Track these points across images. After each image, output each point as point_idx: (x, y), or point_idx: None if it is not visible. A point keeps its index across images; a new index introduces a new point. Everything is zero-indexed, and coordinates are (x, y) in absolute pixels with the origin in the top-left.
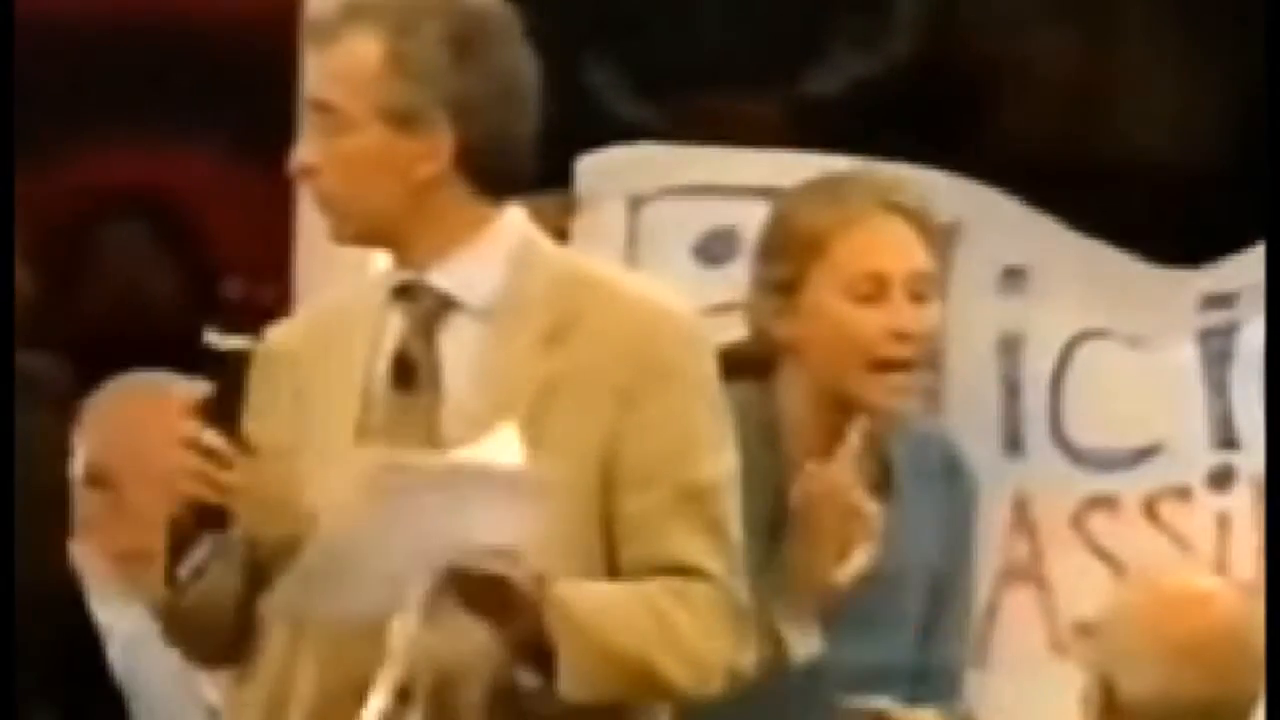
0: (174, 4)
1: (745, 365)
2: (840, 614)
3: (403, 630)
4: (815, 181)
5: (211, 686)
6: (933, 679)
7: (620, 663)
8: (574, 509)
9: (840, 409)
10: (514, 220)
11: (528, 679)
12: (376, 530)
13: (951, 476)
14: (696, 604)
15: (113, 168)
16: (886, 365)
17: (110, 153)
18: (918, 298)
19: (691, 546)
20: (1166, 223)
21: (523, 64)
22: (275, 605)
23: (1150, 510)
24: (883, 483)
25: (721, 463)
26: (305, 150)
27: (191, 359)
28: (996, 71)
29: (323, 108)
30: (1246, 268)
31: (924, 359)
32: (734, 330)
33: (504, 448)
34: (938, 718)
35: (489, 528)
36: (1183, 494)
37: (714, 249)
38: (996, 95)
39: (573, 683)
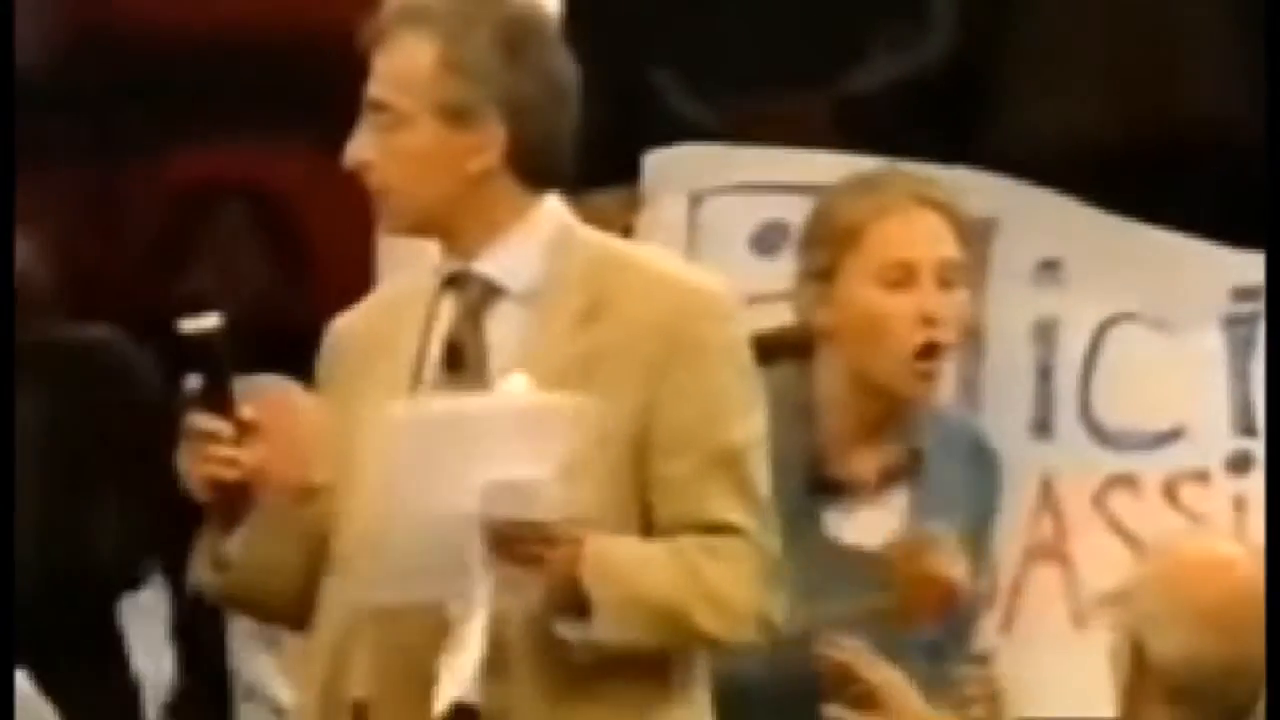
0: (273, 19)
1: (787, 349)
2: (872, 578)
3: (477, 587)
4: (852, 178)
5: (281, 686)
6: (949, 647)
7: (654, 610)
8: (611, 477)
9: (872, 393)
10: (552, 209)
11: (566, 629)
12: (409, 489)
13: (978, 460)
14: (728, 557)
15: (218, 163)
16: (915, 350)
17: (217, 149)
18: (946, 284)
19: (723, 505)
20: (1203, 208)
21: (565, 65)
22: (346, 599)
23: (1170, 491)
24: (911, 466)
25: (751, 426)
26: (360, 146)
27: (282, 343)
28: (1027, 67)
29: (379, 106)
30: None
31: (952, 344)
32: (787, 315)
33: (514, 389)
34: (894, 674)
35: (507, 461)
36: (1201, 477)
37: (768, 240)
38: (1028, 90)
39: (609, 629)
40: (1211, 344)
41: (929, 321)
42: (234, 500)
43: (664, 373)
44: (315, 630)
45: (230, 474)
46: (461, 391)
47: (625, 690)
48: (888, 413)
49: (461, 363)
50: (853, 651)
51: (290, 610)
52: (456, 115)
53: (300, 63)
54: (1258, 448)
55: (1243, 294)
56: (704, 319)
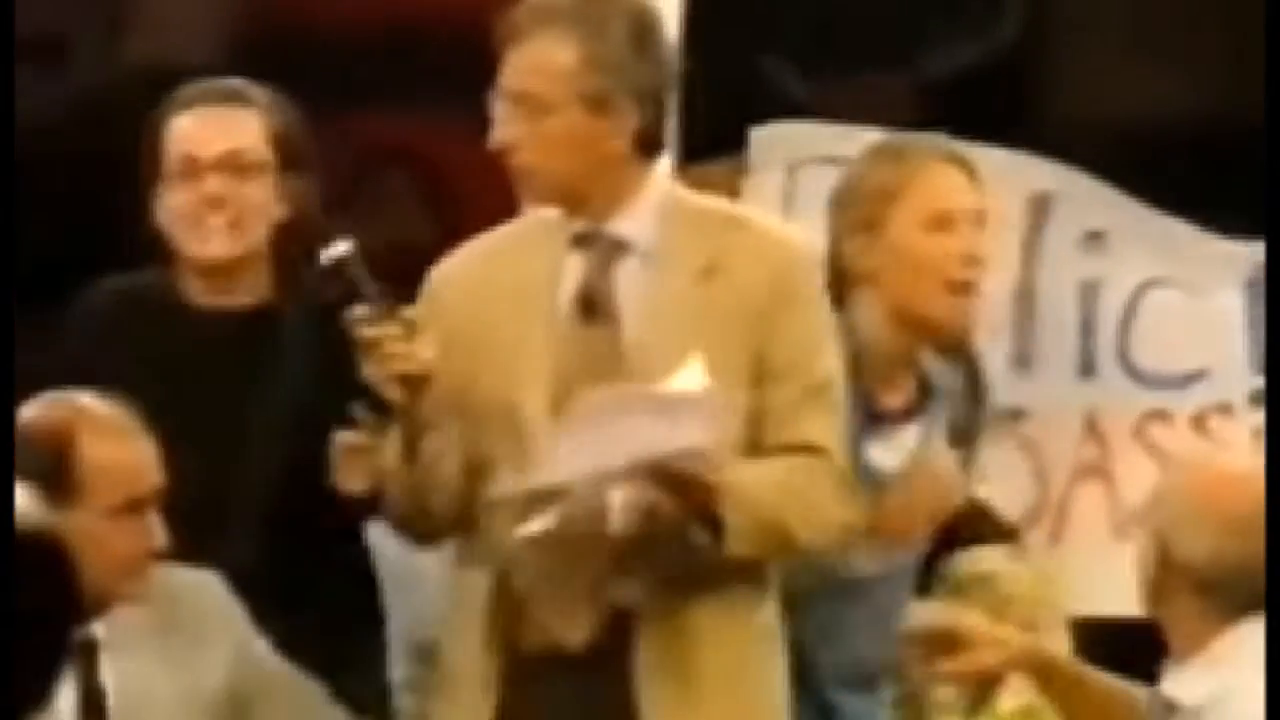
0: (432, 10)
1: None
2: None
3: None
4: (880, 145)
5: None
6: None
7: (768, 528)
8: (730, 405)
9: (912, 330)
10: (661, 175)
11: (699, 536)
12: (601, 440)
13: (971, 391)
14: (821, 476)
15: (384, 132)
16: (957, 286)
17: (383, 120)
18: (977, 229)
19: (816, 429)
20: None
21: (673, 54)
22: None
23: (1198, 423)
24: (920, 401)
25: (835, 363)
26: (504, 131)
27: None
28: (1091, 52)
29: (523, 96)
30: None
31: (978, 283)
32: None
33: (692, 377)
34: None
35: (683, 434)
36: (1226, 410)
37: None
38: (1090, 74)
39: (735, 543)
40: (1232, 301)
41: (968, 260)
42: (419, 395)
43: (771, 319)
44: (481, 542)
45: (411, 366)
46: (595, 336)
47: (733, 589)
48: (919, 348)
49: (594, 309)
50: (935, 612)
51: (439, 521)
52: (596, 104)
53: (455, 47)
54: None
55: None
56: (801, 273)
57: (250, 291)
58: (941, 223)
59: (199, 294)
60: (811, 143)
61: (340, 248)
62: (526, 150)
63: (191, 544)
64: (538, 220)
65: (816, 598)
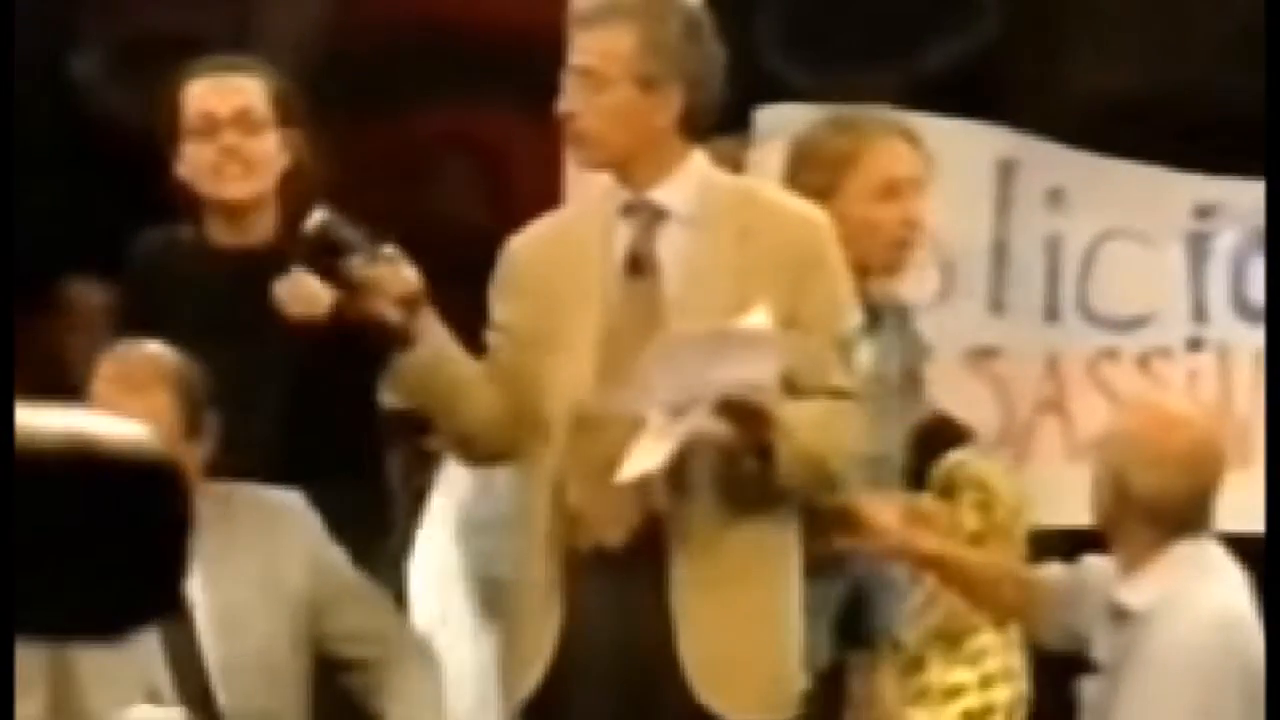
0: (485, 12)
1: None
2: None
3: (690, 422)
4: (834, 117)
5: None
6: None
7: (809, 460)
8: (792, 345)
9: (861, 274)
10: (699, 155)
11: (751, 465)
12: (685, 363)
13: (904, 325)
14: (849, 417)
15: (439, 122)
16: (899, 244)
17: (438, 111)
18: (919, 196)
19: (841, 376)
20: (1189, 150)
21: (720, 47)
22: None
23: (1143, 363)
24: (871, 326)
25: (855, 318)
26: (568, 101)
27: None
28: (1063, 43)
29: (587, 72)
30: (1228, 188)
31: (917, 240)
32: None
33: (757, 319)
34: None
35: (750, 369)
36: (1165, 353)
37: None
38: (1062, 63)
39: (784, 470)
40: (1175, 254)
41: (909, 224)
42: (416, 313)
43: (799, 280)
44: (538, 466)
45: (405, 288)
46: (641, 291)
47: (757, 504)
48: (863, 286)
49: (640, 269)
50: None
51: (484, 438)
52: (648, 83)
53: (505, 45)
54: (1208, 332)
55: (1201, 211)
56: (823, 241)
57: (262, 231)
58: (889, 191)
59: (220, 235)
60: (808, 121)
61: (317, 215)
62: (585, 118)
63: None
64: (594, 197)
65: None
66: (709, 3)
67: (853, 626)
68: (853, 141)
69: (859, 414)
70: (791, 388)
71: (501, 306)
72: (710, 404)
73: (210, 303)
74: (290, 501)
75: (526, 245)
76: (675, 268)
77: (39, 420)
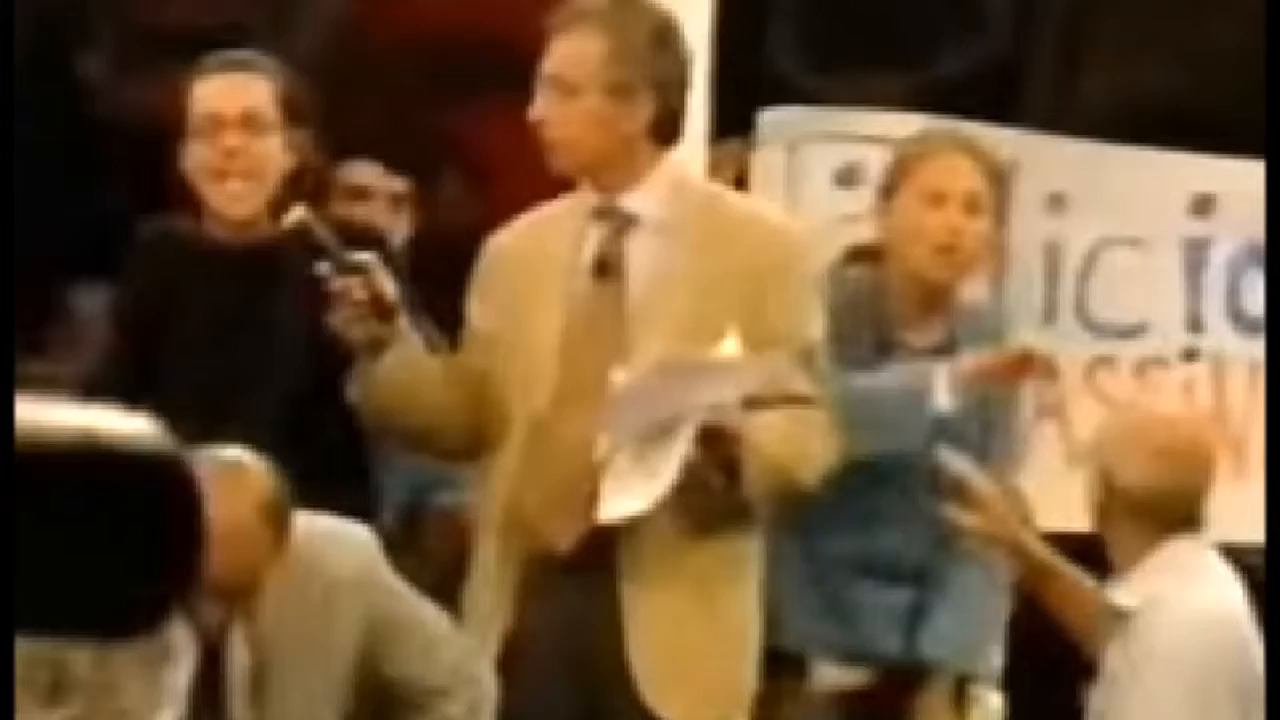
0: (480, 20)
1: (870, 254)
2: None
3: (679, 454)
4: (921, 130)
5: None
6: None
7: (775, 472)
8: (763, 369)
9: (913, 279)
10: (674, 160)
11: (718, 481)
12: (660, 391)
13: (999, 341)
14: (813, 426)
15: (447, 127)
16: (938, 250)
17: (441, 115)
18: (969, 210)
19: (802, 384)
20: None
21: (689, 56)
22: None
23: (1139, 371)
24: (948, 345)
25: (817, 331)
26: (540, 108)
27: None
28: (1075, 48)
29: (558, 80)
30: (1226, 172)
31: (970, 251)
32: (863, 232)
33: (728, 347)
34: (993, 487)
35: (717, 393)
36: (1161, 362)
37: (847, 176)
38: (1074, 67)
39: (749, 485)
40: (1171, 263)
41: (953, 233)
42: (389, 324)
43: (761, 289)
44: (497, 467)
45: (377, 297)
46: (606, 294)
47: (731, 520)
48: (930, 299)
49: (607, 273)
50: (966, 466)
51: (440, 437)
52: (618, 90)
53: (499, 51)
54: (1203, 342)
55: (1199, 204)
56: (790, 251)
57: (261, 229)
58: (936, 200)
59: (219, 230)
60: (811, 123)
61: (296, 213)
62: (556, 126)
63: (210, 427)
64: (570, 199)
65: (854, 487)
66: (720, 7)
67: (910, 640)
68: (914, 150)
69: (825, 423)
70: (753, 399)
71: (474, 305)
72: (683, 434)
73: (208, 296)
74: (347, 541)
75: (500, 245)
76: (641, 273)
77: (46, 416)
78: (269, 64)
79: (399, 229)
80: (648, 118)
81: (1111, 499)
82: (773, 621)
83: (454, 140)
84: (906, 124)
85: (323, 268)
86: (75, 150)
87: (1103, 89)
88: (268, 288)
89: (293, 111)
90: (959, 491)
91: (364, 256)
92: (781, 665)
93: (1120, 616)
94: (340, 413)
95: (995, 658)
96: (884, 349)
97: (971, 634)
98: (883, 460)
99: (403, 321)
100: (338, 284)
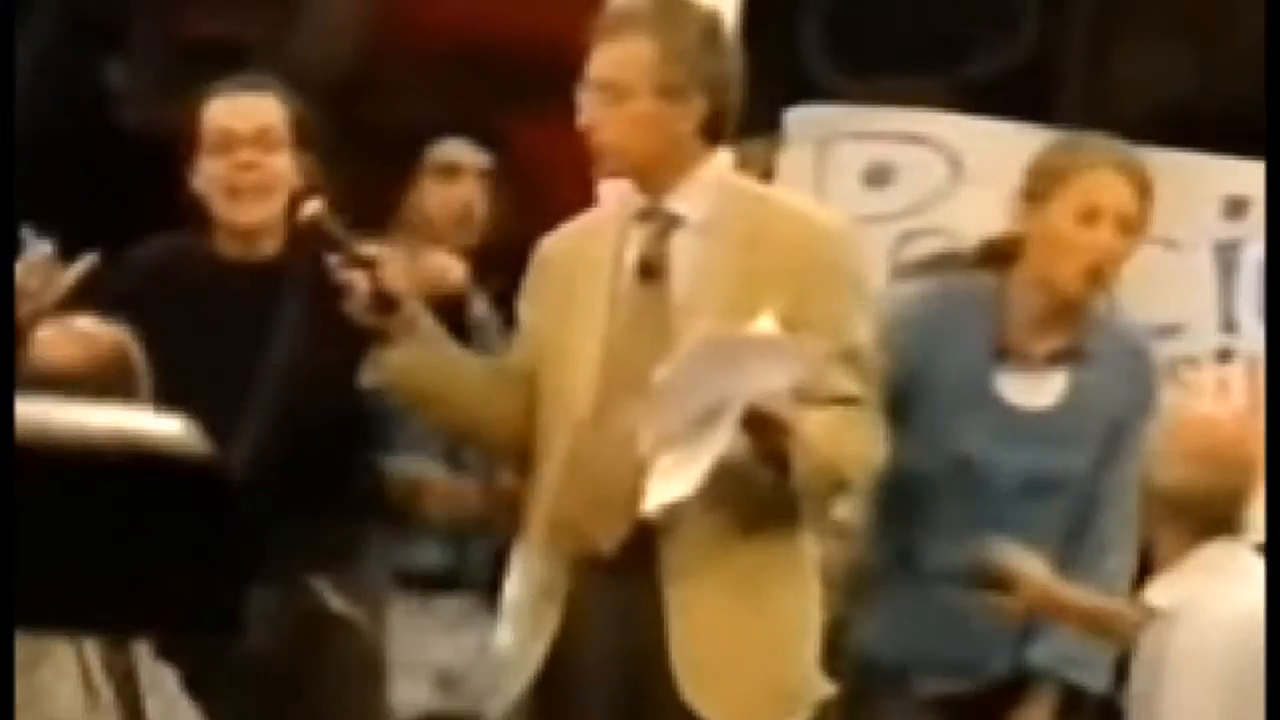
0: (520, 27)
1: (990, 259)
2: (1030, 431)
3: (719, 440)
4: (1073, 136)
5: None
6: (1098, 512)
7: (825, 468)
8: (807, 350)
9: (1050, 292)
10: (720, 160)
11: (765, 474)
12: (702, 376)
13: (1133, 362)
14: (862, 424)
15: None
16: (1084, 269)
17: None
18: (1122, 230)
19: (850, 384)
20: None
21: (739, 53)
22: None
23: (1171, 373)
24: (1073, 354)
25: (865, 331)
26: (590, 112)
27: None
28: (1106, 48)
29: (608, 85)
30: (1259, 175)
31: (1117, 271)
32: (890, 233)
33: (764, 325)
34: (1046, 572)
35: (764, 377)
36: (1194, 362)
37: (876, 176)
38: (1112, 72)
39: (798, 480)
40: (1204, 264)
41: (1099, 251)
42: (391, 314)
43: (804, 287)
44: (541, 470)
45: (395, 283)
46: (650, 295)
47: (781, 518)
48: (1061, 308)
49: (651, 274)
50: (1008, 553)
51: (481, 432)
52: (670, 92)
53: (542, 57)
54: (1237, 343)
55: (1232, 206)
56: (834, 249)
57: (267, 247)
58: (1089, 216)
59: (227, 249)
60: (840, 121)
61: (311, 206)
62: (607, 130)
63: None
64: (617, 202)
65: (944, 491)
66: (750, 6)
67: (1018, 651)
68: (1071, 159)
69: (873, 422)
70: (800, 396)
71: (524, 308)
72: (728, 417)
73: (212, 313)
74: None
75: (549, 248)
76: (685, 274)
77: (87, 417)
78: (278, 87)
79: (481, 207)
80: (699, 118)
81: (1150, 499)
82: (871, 633)
83: (507, 146)
84: (936, 123)
85: (334, 260)
86: (101, 159)
87: (1134, 90)
88: (272, 305)
89: (301, 134)
90: (1007, 582)
91: (373, 249)
92: (880, 674)
93: (1155, 616)
94: (340, 429)
95: (1103, 669)
96: (1001, 355)
97: (1082, 645)
98: (985, 466)
99: (425, 320)
100: (344, 275)
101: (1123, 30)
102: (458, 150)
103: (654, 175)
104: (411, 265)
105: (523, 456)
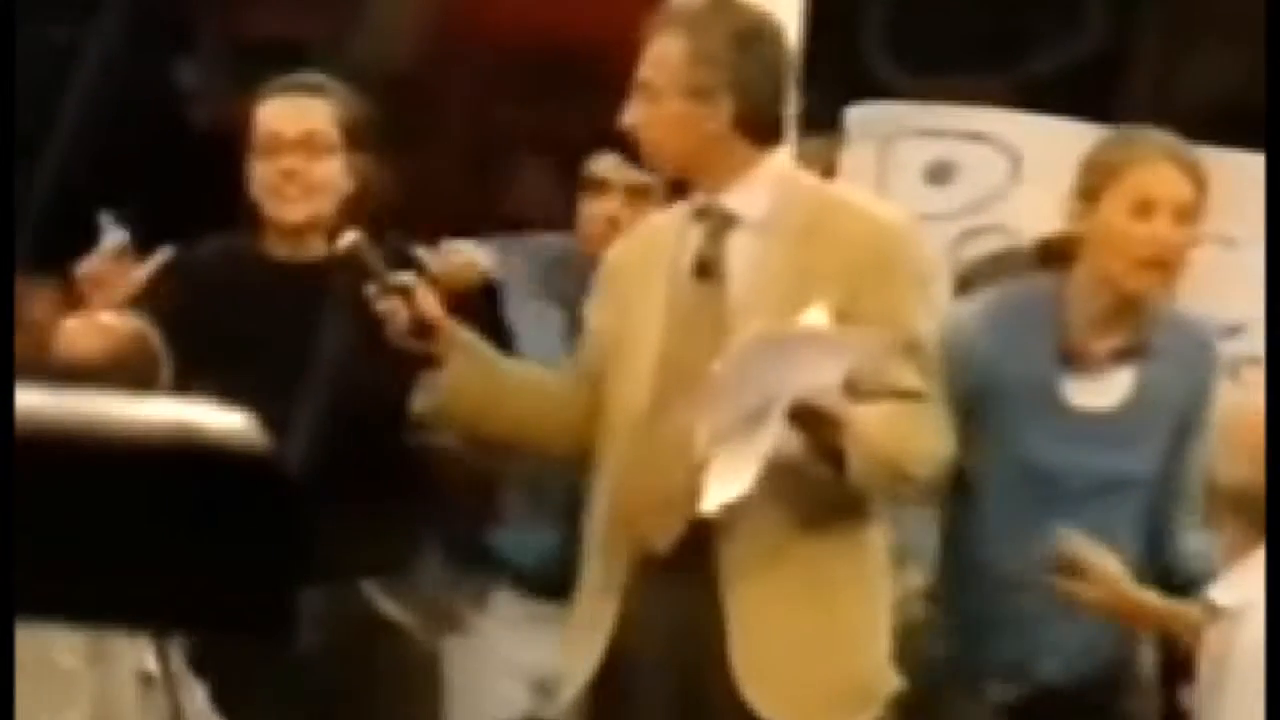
0: (575, 30)
1: (1049, 260)
2: (1098, 433)
3: (769, 435)
4: (1122, 131)
5: None
6: (1172, 502)
7: (884, 464)
8: (860, 342)
9: (1111, 289)
10: (777, 159)
11: (824, 471)
12: (753, 372)
13: (1198, 355)
14: (924, 418)
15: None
16: (1144, 263)
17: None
18: (1179, 220)
19: (910, 377)
20: None
21: (782, 54)
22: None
23: (1233, 371)
24: (1137, 350)
25: (925, 324)
26: (631, 113)
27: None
28: (1172, 45)
29: (644, 85)
30: None
31: (1178, 263)
32: (951, 232)
33: (815, 318)
34: (1119, 568)
35: (816, 372)
36: (1257, 362)
37: (938, 174)
38: (1180, 69)
39: (856, 476)
40: (1262, 262)
41: (1160, 245)
42: (433, 341)
43: (861, 282)
44: (602, 470)
45: (431, 310)
46: (707, 293)
47: (844, 514)
48: (1123, 305)
49: (707, 273)
50: (1080, 544)
51: (532, 442)
52: (699, 93)
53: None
54: None
55: None
56: (892, 242)
57: (317, 249)
58: (1143, 208)
59: (277, 249)
60: (902, 119)
61: (348, 237)
62: (644, 129)
63: None
64: (683, 203)
65: (1013, 496)
66: (813, 4)
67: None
68: (1121, 153)
69: (935, 416)
70: (856, 390)
71: (590, 312)
72: (781, 412)
73: (260, 313)
74: None
75: (615, 252)
76: (742, 273)
77: (139, 410)
78: (333, 87)
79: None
80: (729, 118)
81: (1212, 498)
82: (943, 637)
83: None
84: (997, 121)
85: (371, 290)
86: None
87: (1200, 87)
88: (320, 305)
89: (354, 136)
90: (1076, 569)
91: (406, 278)
92: (951, 678)
93: (1220, 615)
94: (391, 429)
95: None
96: (1065, 358)
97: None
98: (1053, 471)
99: (468, 338)
100: (382, 305)
101: (1189, 27)
102: (606, 165)
103: (700, 174)
104: (439, 259)
105: (575, 458)
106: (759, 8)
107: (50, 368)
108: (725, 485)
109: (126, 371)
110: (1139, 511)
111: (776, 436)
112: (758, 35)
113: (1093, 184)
